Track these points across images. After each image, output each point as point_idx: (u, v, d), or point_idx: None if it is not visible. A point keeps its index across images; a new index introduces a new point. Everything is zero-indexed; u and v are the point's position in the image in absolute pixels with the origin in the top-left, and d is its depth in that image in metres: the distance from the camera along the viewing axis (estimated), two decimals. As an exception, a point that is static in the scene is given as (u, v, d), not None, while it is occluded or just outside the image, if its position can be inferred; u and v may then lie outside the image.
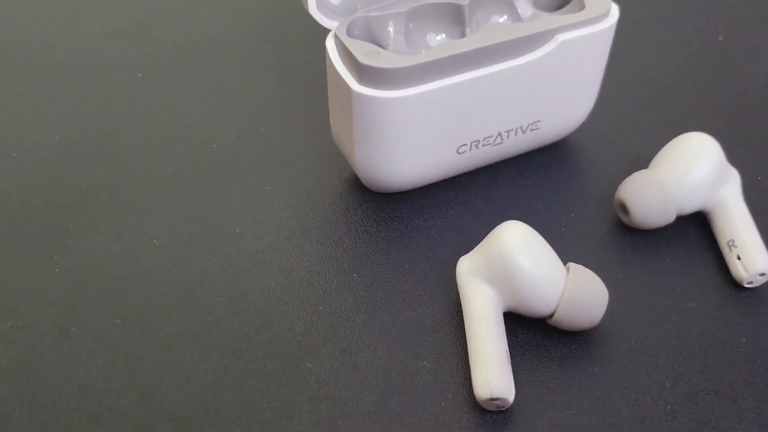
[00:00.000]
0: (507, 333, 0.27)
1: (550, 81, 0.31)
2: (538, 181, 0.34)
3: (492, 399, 0.25)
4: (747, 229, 0.30)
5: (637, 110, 0.38)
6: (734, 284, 0.30)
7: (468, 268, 0.28)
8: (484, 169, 0.34)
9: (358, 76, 0.28)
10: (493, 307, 0.27)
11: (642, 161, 0.33)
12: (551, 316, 0.27)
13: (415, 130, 0.29)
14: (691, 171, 0.30)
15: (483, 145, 0.32)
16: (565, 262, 0.28)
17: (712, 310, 0.29)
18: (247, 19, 0.43)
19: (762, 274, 0.29)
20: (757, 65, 0.41)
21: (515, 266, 0.26)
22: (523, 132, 0.32)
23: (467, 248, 0.30)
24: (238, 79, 0.39)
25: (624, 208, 0.31)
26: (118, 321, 0.28)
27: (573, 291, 0.26)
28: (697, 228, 0.32)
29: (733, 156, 0.33)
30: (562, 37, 0.30)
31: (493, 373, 0.25)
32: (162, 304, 0.29)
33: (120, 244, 0.31)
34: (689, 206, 0.31)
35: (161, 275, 0.30)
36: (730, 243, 0.30)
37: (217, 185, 0.33)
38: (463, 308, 0.27)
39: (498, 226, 0.27)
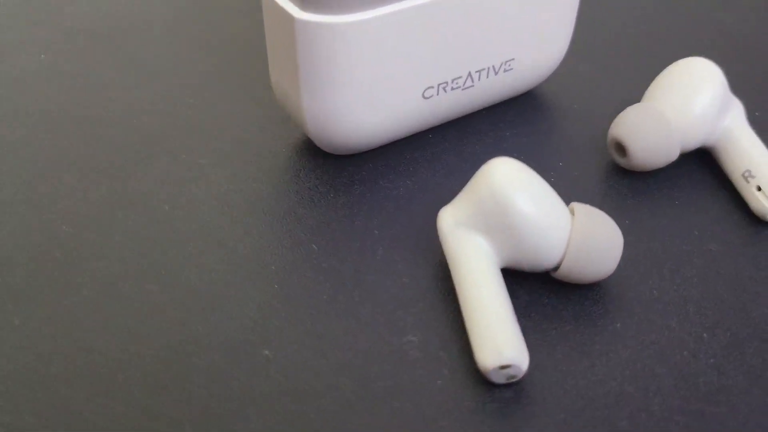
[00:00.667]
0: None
1: (522, 10, 0.27)
2: (516, 133, 0.29)
3: (502, 367, 0.20)
4: (764, 156, 0.26)
5: (618, 44, 0.34)
6: (756, 220, 0.26)
7: (453, 219, 0.23)
8: (453, 124, 0.29)
9: (300, 0, 0.23)
10: (489, 260, 0.22)
11: (632, 99, 0.29)
12: (557, 267, 0.22)
13: (372, 66, 0.25)
14: (694, 99, 0.26)
15: (452, 89, 0.27)
16: (564, 206, 0.23)
17: (738, 249, 0.25)
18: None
19: (787, 203, 0.25)
20: None
21: (512, 208, 0.21)
22: (496, 73, 0.28)
23: (440, 206, 0.25)
24: (160, 58, 0.34)
25: (621, 147, 0.27)
26: (17, 323, 0.22)
27: (582, 235, 0.22)
28: (701, 166, 0.28)
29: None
30: (533, -46, 0.26)
31: (500, 336, 0.20)
32: (77, 299, 0.23)
33: (26, 234, 0.25)
34: (694, 140, 0.27)
35: (74, 267, 0.24)
36: (746, 174, 0.26)
37: (142, 164, 0.28)
38: (451, 268, 0.22)
39: (485, 165, 0.23)
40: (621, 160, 0.27)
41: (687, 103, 0.26)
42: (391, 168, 0.28)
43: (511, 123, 0.30)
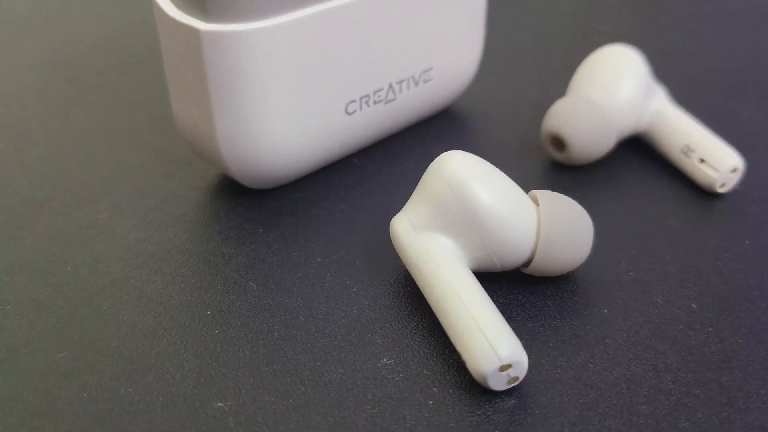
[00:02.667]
0: (480, 296, 0.20)
1: (433, 16, 0.26)
2: (445, 147, 0.27)
3: (502, 368, 0.17)
4: (699, 130, 0.26)
5: (530, 44, 0.34)
6: (704, 193, 0.25)
7: (409, 223, 0.20)
8: (378, 146, 0.27)
9: (204, 11, 0.21)
10: (458, 261, 0.20)
11: (555, 96, 0.28)
12: (527, 263, 0.20)
13: (291, 78, 0.22)
14: (621, 85, 0.26)
15: (375, 102, 0.25)
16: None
17: (696, 221, 0.24)
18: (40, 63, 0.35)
19: (734, 170, 0.24)
20: None
21: (474, 199, 0.19)
22: (416, 84, 0.26)
23: (385, 222, 0.23)
24: (34, 121, 0.30)
25: (558, 142, 0.26)
26: None
27: (551, 222, 0.20)
28: (636, 152, 0.27)
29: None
30: (438, -44, 0.25)
31: (493, 336, 0.18)
32: (-37, 381, 0.18)
33: None
34: (627, 126, 0.26)
35: (-43, 347, 0.19)
36: (685, 150, 0.25)
37: (29, 227, 0.24)
38: (417, 276, 0.20)
39: (434, 161, 0.21)
40: (559, 156, 0.26)
41: (615, 89, 0.26)
42: (321, 196, 0.25)
43: (437, 138, 0.28)
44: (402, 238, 0.20)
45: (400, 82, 0.26)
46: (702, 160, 0.25)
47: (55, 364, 0.19)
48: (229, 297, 0.21)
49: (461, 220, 0.19)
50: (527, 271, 0.21)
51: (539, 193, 0.21)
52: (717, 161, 0.24)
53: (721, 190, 0.25)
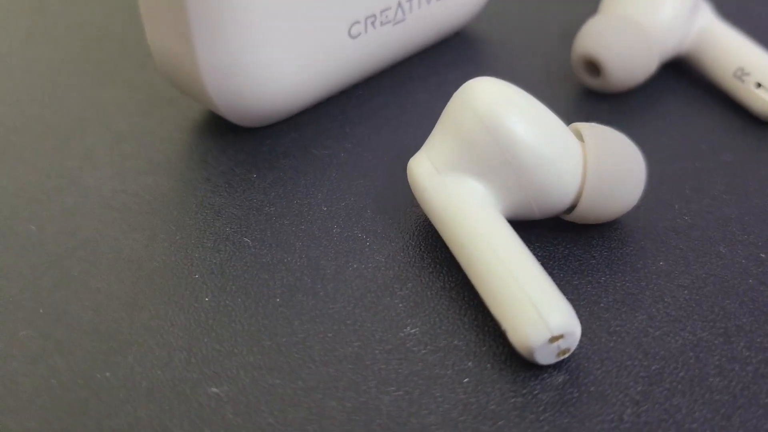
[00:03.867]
0: (516, 250, 0.17)
1: None
2: (460, 75, 0.24)
3: (552, 339, 0.14)
4: (754, 49, 0.22)
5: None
6: (761, 122, 0.22)
7: (431, 165, 0.17)
8: (385, 74, 0.24)
9: None
10: (492, 209, 0.17)
11: (585, 14, 0.25)
12: (571, 208, 0.17)
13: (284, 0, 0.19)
14: (662, 1, 0.22)
15: (382, 23, 0.22)
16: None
17: (756, 154, 0.21)
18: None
19: (796, 94, 0.21)
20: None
21: (509, 134, 0.16)
22: (428, 1, 0.23)
23: (399, 164, 0.20)
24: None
25: (592, 66, 0.22)
26: None
27: (599, 161, 0.17)
28: (680, 76, 0.24)
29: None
30: None
31: (540, 301, 0.15)
32: None
33: None
34: (671, 46, 0.23)
35: None
36: (739, 73, 0.22)
37: (-17, 176, 0.20)
38: (443, 228, 0.17)
39: (460, 89, 0.17)
40: (593, 82, 0.23)
41: (655, 4, 0.22)
42: (323, 132, 0.22)
43: (451, 65, 0.25)
44: (423, 183, 0.17)
45: (409, 1, 0.22)
46: (759, 85, 0.21)
47: (17, 344, 0.16)
48: (221, 256, 0.18)
49: (495, 159, 0.16)
50: (569, 218, 0.18)
51: (583, 127, 0.18)
52: (779, 84, 0.21)
53: (779, 119, 0.22)
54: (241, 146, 0.21)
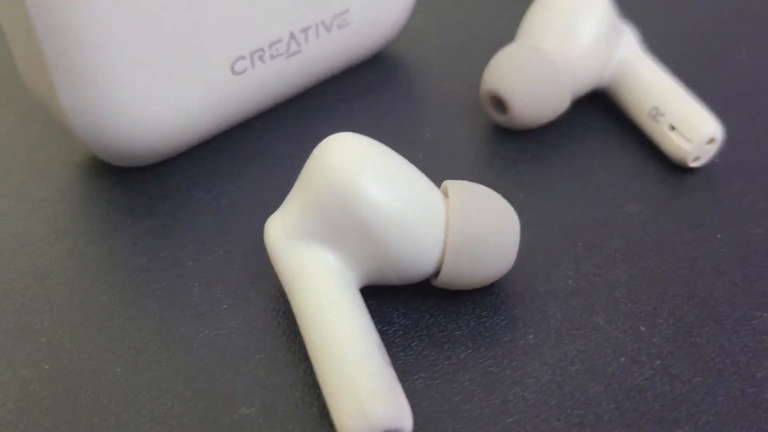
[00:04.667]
0: (374, 322, 0.16)
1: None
2: (370, 104, 0.23)
3: (375, 437, 0.13)
4: (672, 87, 0.21)
5: None
6: (677, 169, 0.20)
7: (283, 229, 0.16)
8: (287, 104, 0.23)
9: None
10: (340, 280, 0.16)
11: (504, 41, 0.23)
12: (436, 274, 0.16)
13: (146, 30, 0.18)
14: (578, 29, 0.21)
15: (272, 57, 0.20)
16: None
17: (663, 205, 0.19)
18: None
19: (711, 141, 0.20)
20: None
21: (361, 200, 0.15)
22: (328, 30, 0.21)
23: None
24: None
25: (499, 103, 0.21)
26: None
27: (462, 223, 0.16)
28: (598, 112, 0.22)
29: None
30: None
31: (368, 391, 0.14)
32: None
33: None
34: (586, 80, 0.21)
35: None
36: (654, 113, 0.20)
37: None
38: (290, 297, 0.16)
39: (317, 147, 0.16)
40: (501, 119, 0.21)
41: (570, 35, 0.21)
42: (211, 172, 0.21)
43: (361, 93, 0.23)
44: (273, 247, 0.16)
45: (305, 30, 0.21)
46: (673, 128, 0.20)
47: None
48: (76, 317, 0.17)
49: (344, 226, 0.15)
50: (436, 284, 0.17)
51: (451, 185, 0.17)
52: (690, 129, 0.20)
53: (694, 164, 0.20)
54: (123, 186, 0.20)
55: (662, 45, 0.24)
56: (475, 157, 0.21)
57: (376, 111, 0.23)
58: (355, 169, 0.15)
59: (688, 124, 0.20)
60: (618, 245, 0.18)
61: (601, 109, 0.22)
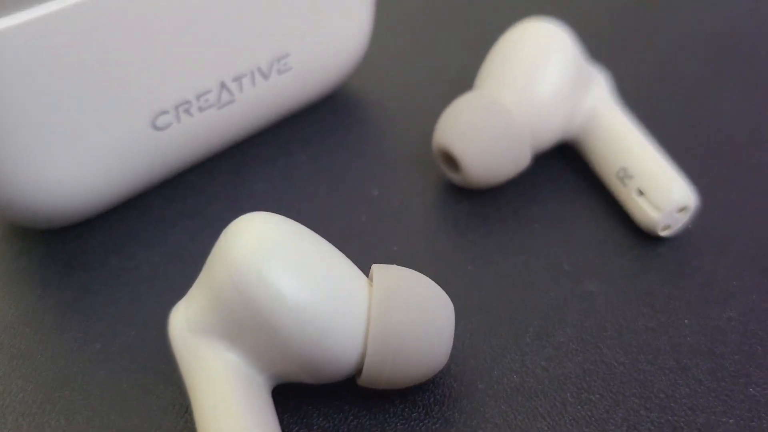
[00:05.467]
0: (291, 426, 0.14)
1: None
2: (315, 155, 0.21)
3: None
4: (643, 146, 0.19)
5: (438, 16, 0.26)
6: (644, 236, 0.18)
7: (186, 321, 0.14)
8: (227, 154, 0.21)
9: None
10: (244, 383, 0.14)
11: (464, 87, 0.21)
12: (359, 372, 0.14)
13: (59, 89, 0.16)
14: (539, 79, 0.19)
15: (201, 109, 0.19)
16: (368, 265, 0.15)
17: (626, 283, 0.17)
18: None
19: (682, 209, 0.18)
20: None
21: (264, 297, 0.13)
22: (266, 77, 0.20)
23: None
24: None
25: (451, 160, 0.19)
26: None
27: (387, 315, 0.14)
28: (566, 166, 0.20)
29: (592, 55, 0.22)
30: None
31: None
32: None
33: None
34: (549, 135, 0.19)
35: None
36: (622, 174, 0.19)
37: None
38: (190, 399, 0.14)
39: (224, 231, 0.14)
40: (455, 177, 0.19)
41: (531, 85, 0.19)
42: (132, 235, 0.19)
43: (307, 142, 0.21)
44: (175, 343, 0.14)
45: (238, 79, 0.19)
46: (641, 192, 0.18)
47: None
48: (-38, 409, 0.15)
49: (249, 327, 0.13)
50: (361, 383, 0.15)
51: (378, 272, 0.15)
52: (660, 196, 0.18)
53: (664, 234, 0.18)
54: (39, 251, 0.18)
55: (637, 91, 0.22)
56: (424, 221, 0.19)
57: (320, 164, 0.21)
58: (260, 260, 0.13)
59: (657, 190, 0.18)
60: (572, 332, 0.16)
61: (568, 164, 0.20)
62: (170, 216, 0.19)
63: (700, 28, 0.26)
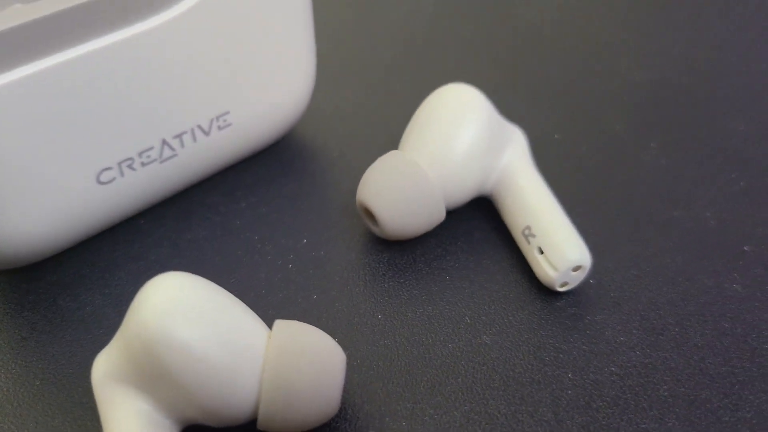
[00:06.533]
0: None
1: (223, 47, 0.20)
2: (255, 202, 0.23)
3: None
4: (546, 206, 0.20)
5: (381, 72, 0.28)
6: (545, 291, 0.20)
7: (105, 368, 0.16)
8: (176, 199, 0.23)
9: None
10: (153, 429, 0.16)
11: (394, 144, 0.23)
12: (257, 418, 0.16)
13: (10, 150, 0.18)
14: (454, 139, 0.20)
15: (144, 164, 0.20)
16: (288, 313, 0.17)
17: (521, 337, 0.19)
18: None
19: (577, 268, 0.19)
20: (548, 2, 0.33)
21: (165, 351, 0.15)
22: (207, 133, 0.21)
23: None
24: None
25: (371, 214, 0.21)
26: None
27: (278, 365, 0.16)
28: (480, 222, 0.22)
29: (515, 113, 0.23)
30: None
31: None
32: None
33: None
34: (464, 193, 0.21)
35: None
36: (527, 232, 0.20)
37: None
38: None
39: (142, 287, 0.16)
40: (375, 229, 0.21)
41: (445, 147, 0.20)
42: (79, 277, 0.21)
43: (250, 189, 0.23)
44: (95, 390, 0.16)
45: (179, 136, 0.21)
46: (541, 251, 0.20)
47: None
48: None
49: (155, 376, 0.15)
50: (260, 427, 0.16)
51: (276, 327, 0.16)
52: (556, 256, 0.19)
53: (562, 290, 0.20)
54: (-7, 290, 0.20)
55: (551, 147, 0.24)
56: (345, 270, 0.21)
57: (258, 212, 0.22)
58: (164, 318, 0.15)
59: (554, 250, 0.19)
60: (463, 382, 0.18)
61: (486, 218, 0.22)
62: (116, 259, 0.21)
63: (621, 83, 0.27)
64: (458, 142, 0.20)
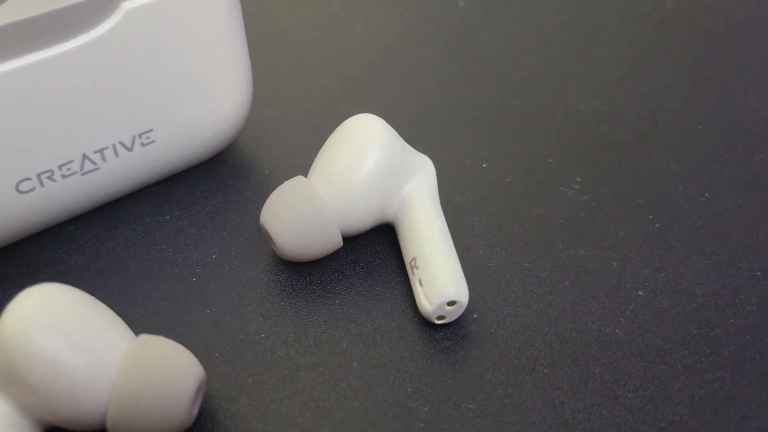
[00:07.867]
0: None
1: (138, 68, 0.22)
2: (178, 215, 0.24)
3: None
4: (433, 239, 0.20)
5: (330, 100, 0.29)
6: (426, 322, 0.20)
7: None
8: (109, 207, 0.24)
9: None
10: (11, 428, 0.17)
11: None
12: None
13: None
14: (351, 169, 0.21)
15: (64, 176, 0.22)
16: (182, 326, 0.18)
17: (386, 365, 0.19)
18: None
19: (452, 303, 0.19)
20: (500, 31, 0.33)
21: (21, 354, 0.16)
22: (129, 149, 0.23)
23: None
24: None
25: (269, 235, 0.22)
26: None
27: (125, 377, 0.17)
28: (383, 248, 0.22)
29: (450, 141, 0.24)
30: (129, 5, 0.21)
31: None
32: None
33: None
34: (361, 221, 0.21)
35: None
36: (413, 263, 0.20)
37: None
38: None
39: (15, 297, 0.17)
40: (276, 250, 0.22)
41: (345, 174, 0.21)
42: (4, 276, 0.22)
43: (177, 203, 0.24)
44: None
45: (100, 151, 0.22)
46: (421, 284, 0.20)
47: None
48: None
49: (12, 380, 0.17)
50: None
51: (138, 339, 0.17)
52: (433, 290, 0.19)
53: (440, 323, 0.20)
54: (-74, 284, 0.22)
55: (457, 178, 0.24)
56: (243, 287, 0.21)
57: (179, 225, 0.23)
58: (25, 324, 0.16)
59: (432, 284, 0.20)
60: (323, 407, 0.18)
61: (390, 245, 0.22)
62: (40, 262, 0.23)
63: (566, 113, 0.27)
64: (357, 171, 0.21)
